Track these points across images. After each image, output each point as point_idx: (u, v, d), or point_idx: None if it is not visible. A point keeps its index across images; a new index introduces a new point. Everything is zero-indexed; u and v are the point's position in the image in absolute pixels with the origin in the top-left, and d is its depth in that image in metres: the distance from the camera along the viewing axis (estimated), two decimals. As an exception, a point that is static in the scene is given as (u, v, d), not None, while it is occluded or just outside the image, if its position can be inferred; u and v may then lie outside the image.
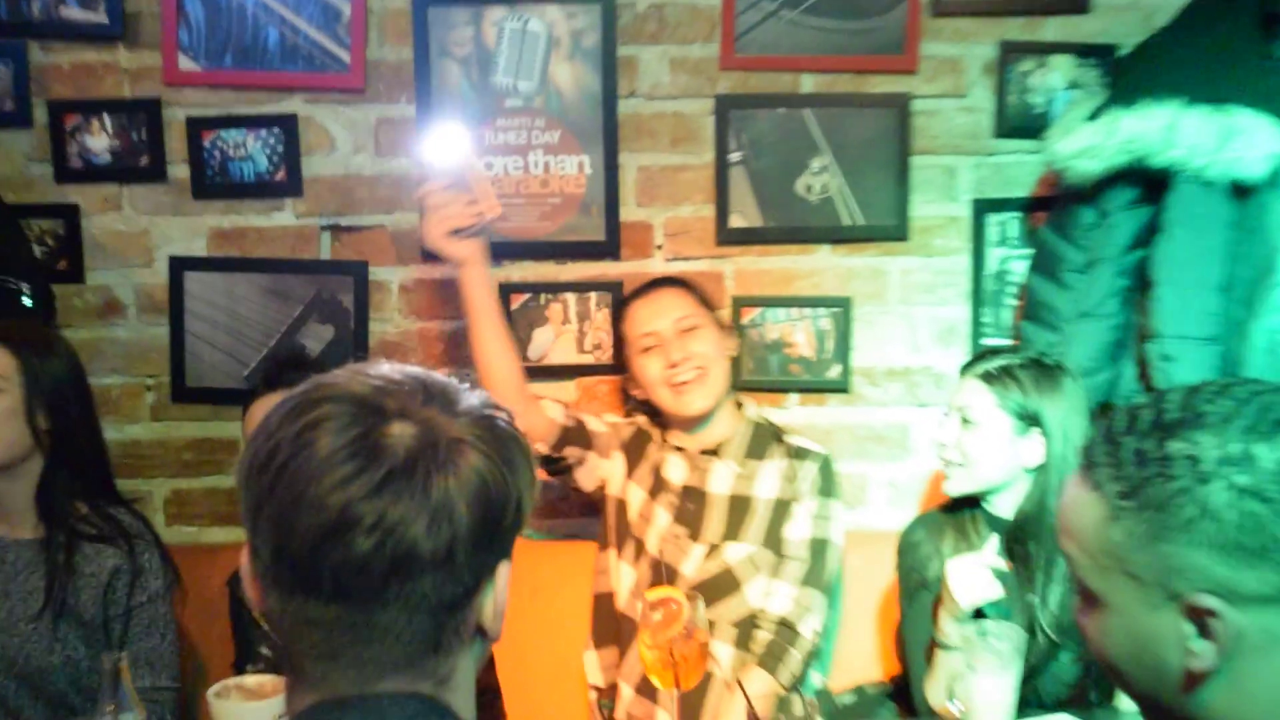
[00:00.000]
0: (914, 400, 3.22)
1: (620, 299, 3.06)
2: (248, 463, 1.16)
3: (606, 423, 2.99)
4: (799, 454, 2.83)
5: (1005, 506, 2.53)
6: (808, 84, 3.09)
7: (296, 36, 3.02)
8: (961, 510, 2.59)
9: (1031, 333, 2.96)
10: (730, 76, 3.08)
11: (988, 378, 2.50)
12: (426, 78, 3.03)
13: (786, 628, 2.71)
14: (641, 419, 3.00)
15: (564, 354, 3.11)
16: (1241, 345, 2.71)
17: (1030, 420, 2.47)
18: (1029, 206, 3.16)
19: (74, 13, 3.04)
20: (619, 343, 2.98)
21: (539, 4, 3.02)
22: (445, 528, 1.11)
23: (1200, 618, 1.18)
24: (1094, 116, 2.76)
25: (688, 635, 2.31)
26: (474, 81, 3.04)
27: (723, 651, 2.75)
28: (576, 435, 2.91)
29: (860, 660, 2.96)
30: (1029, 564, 2.48)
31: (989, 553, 2.37)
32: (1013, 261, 3.17)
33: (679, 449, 2.91)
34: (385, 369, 1.20)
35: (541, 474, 2.63)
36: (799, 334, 3.18)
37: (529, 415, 2.81)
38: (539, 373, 3.07)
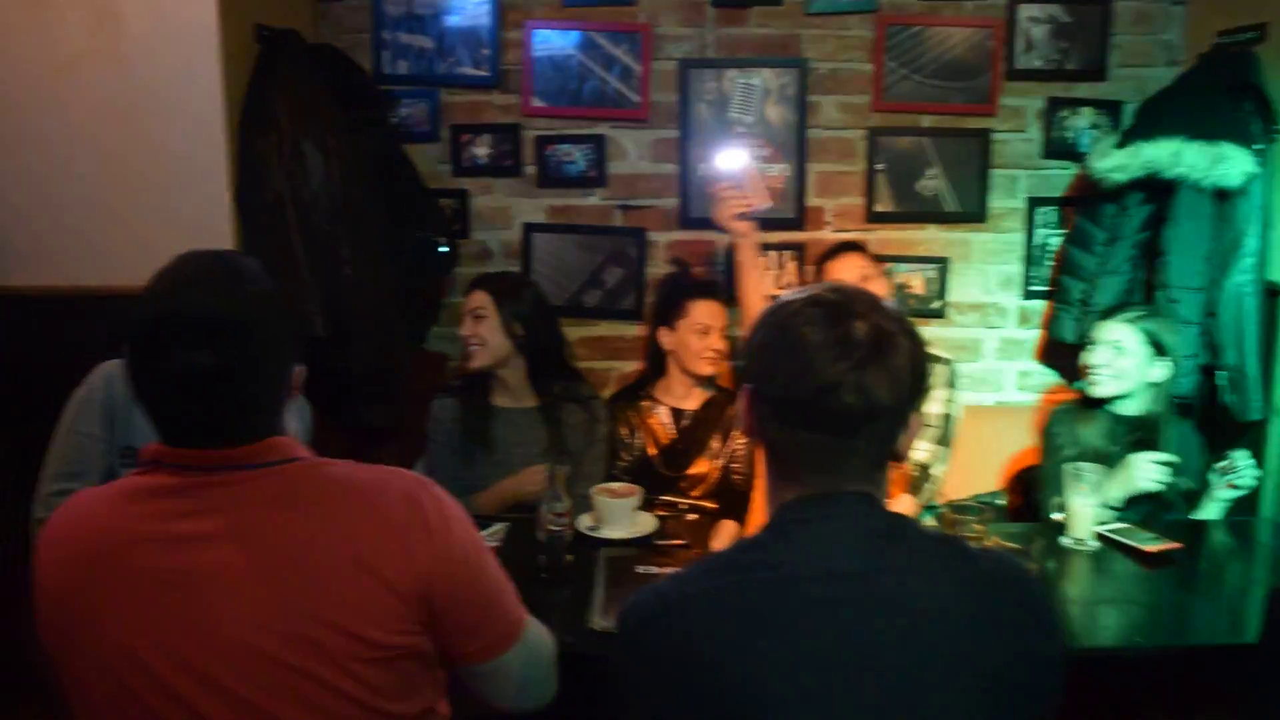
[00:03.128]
0: (985, 324, 3.70)
1: (801, 256, 3.55)
2: (757, 341, 1.29)
3: None
4: (935, 359, 3.07)
5: (1128, 408, 2.82)
6: (926, 121, 3.56)
7: (606, 86, 3.53)
8: (1089, 408, 2.87)
9: (1069, 283, 3.36)
10: (878, 115, 3.54)
11: (1133, 321, 2.79)
12: (686, 113, 3.53)
13: (924, 469, 3.02)
14: None
15: (767, 290, 3.48)
16: (1218, 293, 2.99)
17: (1158, 349, 2.78)
18: (1062, 202, 3.59)
19: (468, 70, 3.54)
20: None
21: (758, 68, 3.51)
22: (898, 388, 1.22)
23: None
24: (1121, 145, 3.10)
25: None
26: (716, 116, 3.54)
27: None
28: None
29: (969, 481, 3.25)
30: (1153, 447, 2.70)
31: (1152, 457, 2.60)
32: (1051, 238, 3.60)
33: None
34: (832, 286, 1.29)
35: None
36: (915, 279, 3.62)
37: None
38: (750, 301, 3.55)
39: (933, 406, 3.06)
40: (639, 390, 3.17)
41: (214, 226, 2.90)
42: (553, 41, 3.50)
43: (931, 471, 3.03)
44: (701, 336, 3.00)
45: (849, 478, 1.25)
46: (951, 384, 3.11)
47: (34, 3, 2.84)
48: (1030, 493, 3.09)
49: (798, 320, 1.23)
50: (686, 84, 3.51)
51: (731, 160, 2.99)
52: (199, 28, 2.83)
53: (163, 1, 2.82)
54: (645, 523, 2.51)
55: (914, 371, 1.24)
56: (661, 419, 3.08)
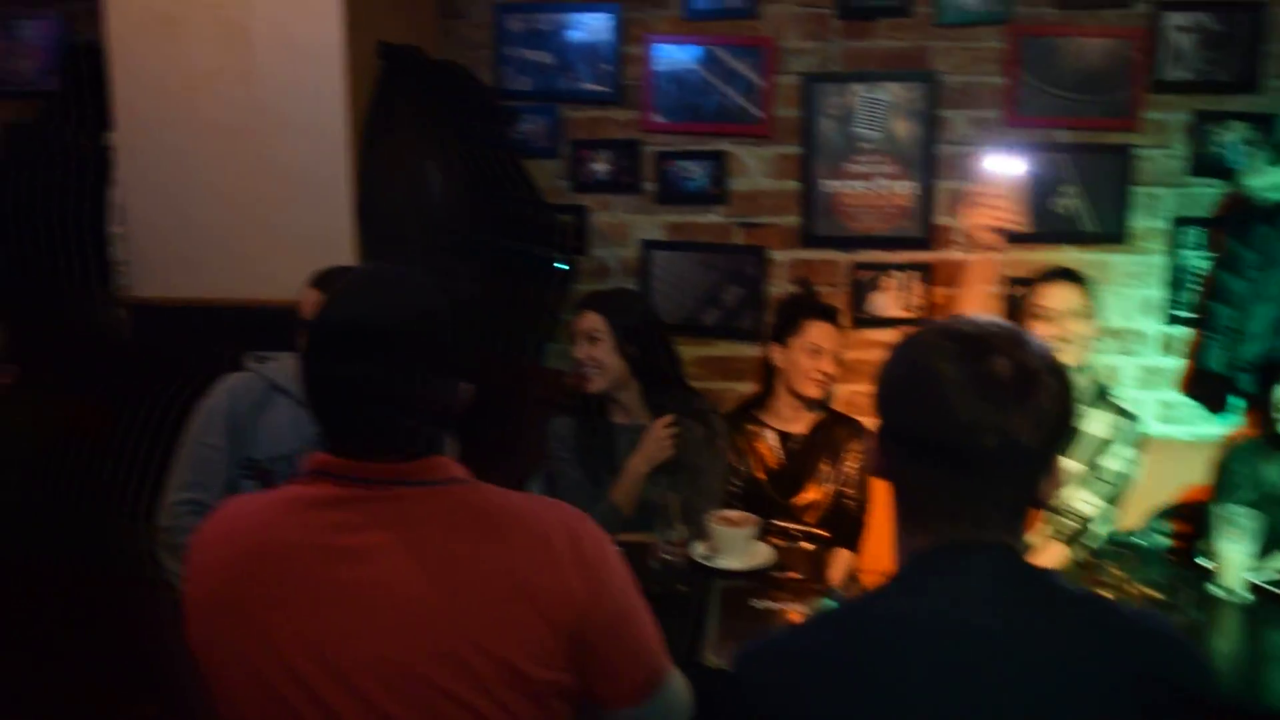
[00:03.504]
0: (1124, 351, 3.50)
1: (928, 277, 3.41)
2: (889, 376, 1.20)
3: None
4: (1122, 412, 2.92)
5: None
6: (1062, 137, 3.39)
7: (727, 101, 3.46)
8: (1276, 448, 2.67)
9: (1217, 309, 3.19)
10: (1010, 131, 3.36)
11: None
12: (810, 128, 3.44)
13: (1086, 523, 2.85)
14: None
15: (891, 310, 3.48)
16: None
17: None
18: (1210, 223, 3.36)
19: (588, 85, 3.52)
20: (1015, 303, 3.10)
21: (885, 82, 3.40)
22: (1043, 431, 1.12)
23: None
24: (1277, 162, 2.96)
25: None
26: (840, 131, 3.44)
27: None
28: None
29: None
30: None
31: None
32: (1196, 260, 3.38)
33: None
34: (969, 319, 1.20)
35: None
36: (1049, 303, 3.43)
37: None
38: (873, 321, 3.47)
39: (1111, 463, 2.89)
40: (745, 413, 3.09)
41: (335, 240, 2.92)
42: (674, 56, 3.45)
43: (1091, 527, 2.86)
44: (812, 356, 2.93)
45: (986, 527, 1.15)
46: (1136, 444, 2.92)
47: (169, 23, 2.91)
48: (1196, 534, 2.85)
49: (933, 355, 1.13)
50: (810, 99, 3.42)
51: (1004, 167, 2.70)
52: (324, 45, 2.85)
53: (289, 20, 2.85)
54: (762, 553, 2.43)
55: (1060, 413, 1.14)
56: (769, 443, 3.01)
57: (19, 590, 2.62)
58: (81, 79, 3.17)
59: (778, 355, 3.00)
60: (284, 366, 2.59)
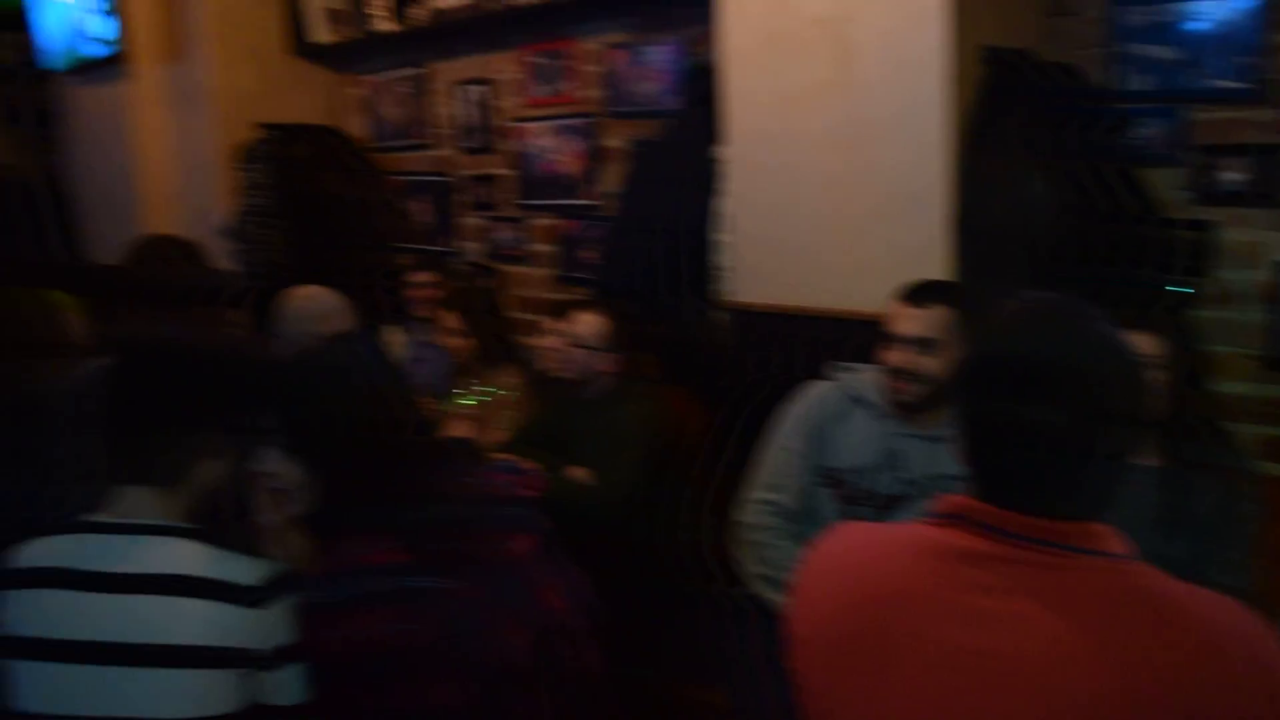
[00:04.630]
0: None
1: None
2: None
3: None
4: None
5: None
6: None
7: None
8: None
9: None
10: None
11: None
12: None
13: None
14: None
15: None
16: None
17: None
18: None
19: (1220, 82, 3.10)
20: None
21: None
22: None
23: None
24: None
25: None
26: None
27: None
28: None
29: None
30: None
31: None
32: None
33: None
34: None
35: None
36: None
37: None
38: None
39: None
40: None
41: (927, 255, 2.87)
42: (1336, 42, 2.94)
43: None
44: None
45: None
46: None
47: (779, 40, 3.06)
48: None
49: None
50: None
51: None
52: (928, 54, 2.82)
53: (895, 29, 2.85)
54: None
55: None
56: None
57: (610, 569, 2.86)
58: (697, 98, 3.43)
59: None
60: (866, 379, 2.62)
